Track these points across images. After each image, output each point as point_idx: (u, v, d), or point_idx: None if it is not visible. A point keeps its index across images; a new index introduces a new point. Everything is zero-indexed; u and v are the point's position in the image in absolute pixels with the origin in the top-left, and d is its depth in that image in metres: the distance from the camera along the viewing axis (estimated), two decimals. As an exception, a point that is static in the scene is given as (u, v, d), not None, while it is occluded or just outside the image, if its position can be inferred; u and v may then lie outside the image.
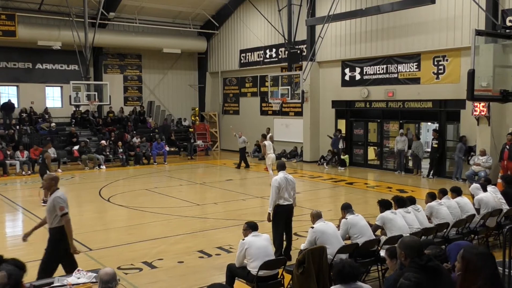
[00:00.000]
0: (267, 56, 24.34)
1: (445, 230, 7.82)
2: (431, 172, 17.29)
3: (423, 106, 17.89)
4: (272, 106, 21.83)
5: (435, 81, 17.25)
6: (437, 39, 16.88)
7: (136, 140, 22.75)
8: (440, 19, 16.72)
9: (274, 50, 23.92)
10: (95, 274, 5.32)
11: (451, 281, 4.04)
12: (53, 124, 22.93)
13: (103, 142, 21.68)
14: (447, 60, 16.89)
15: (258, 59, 24.98)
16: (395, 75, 18.60)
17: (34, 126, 22.67)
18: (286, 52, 21.35)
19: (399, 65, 18.44)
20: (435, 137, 17.39)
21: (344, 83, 20.66)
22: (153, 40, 25.61)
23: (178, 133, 26.40)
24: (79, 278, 5.43)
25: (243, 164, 20.36)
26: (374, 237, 6.99)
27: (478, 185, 9.56)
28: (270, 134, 20.00)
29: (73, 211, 13.27)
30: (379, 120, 19.85)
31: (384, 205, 7.38)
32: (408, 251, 4.07)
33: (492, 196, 8.98)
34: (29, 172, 18.93)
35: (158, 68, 27.67)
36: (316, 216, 6.81)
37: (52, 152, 19.63)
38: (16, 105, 23.37)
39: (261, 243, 6.20)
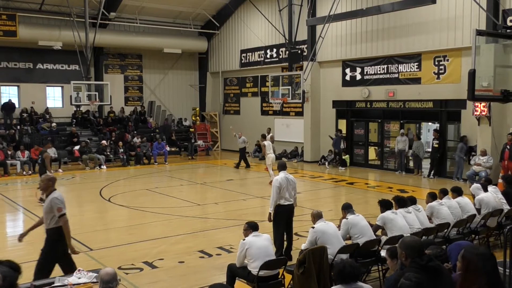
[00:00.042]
0: (268, 56, 24.35)
1: (445, 230, 7.82)
2: (432, 172, 17.28)
3: (424, 106, 17.89)
4: (272, 106, 21.82)
5: (436, 81, 17.25)
6: (438, 39, 16.87)
7: (136, 140, 22.76)
8: (441, 19, 16.71)
9: (274, 50, 23.92)
10: (95, 274, 5.32)
11: (451, 281, 4.04)
12: (54, 124, 22.95)
13: (104, 142, 21.69)
14: (447, 60, 16.88)
15: (258, 59, 24.98)
16: (396, 75, 18.59)
17: (35, 126, 22.69)
18: (287, 52, 21.34)
19: (399, 65, 18.44)
20: (435, 137, 17.38)
21: (345, 83, 20.66)
22: (154, 40, 25.62)
23: (178, 133, 26.40)
24: (79, 278, 5.43)
25: (243, 164, 20.37)
26: (374, 237, 6.99)
27: (478, 185, 9.55)
28: (271, 134, 20.02)
29: (73, 211, 13.32)
30: (379, 120, 19.85)
31: (385, 205, 7.38)
32: (408, 251, 4.07)
33: (493, 196, 8.97)
34: (30, 172, 18.95)
35: (158, 68, 27.68)
36: (317, 216, 6.81)
37: (52, 152, 19.67)
38: (17, 105, 23.41)
39: (262, 243, 6.19)
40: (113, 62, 26.30)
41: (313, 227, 6.65)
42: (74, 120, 24.38)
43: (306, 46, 21.62)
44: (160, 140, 22.95)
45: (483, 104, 14.74)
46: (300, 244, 7.24)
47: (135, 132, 24.08)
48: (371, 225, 7.20)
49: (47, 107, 24.14)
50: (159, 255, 8.60)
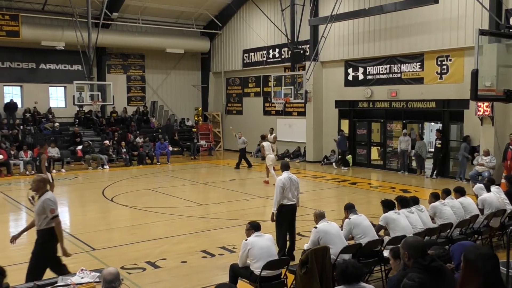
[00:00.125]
0: (270, 56, 24.34)
1: (448, 231, 7.81)
2: (435, 172, 17.25)
3: (427, 106, 17.86)
4: (275, 106, 21.82)
5: (439, 81, 17.22)
6: (441, 39, 16.84)
7: (139, 140, 22.79)
8: (444, 19, 16.68)
9: (277, 50, 23.92)
10: (98, 274, 5.34)
11: (454, 282, 4.03)
12: (56, 124, 23.01)
13: (107, 142, 21.72)
14: (450, 60, 16.85)
15: (261, 59, 24.98)
16: (398, 75, 18.57)
17: (37, 126, 22.74)
18: (289, 52, 21.34)
19: (402, 65, 18.41)
20: (438, 137, 17.35)
21: (347, 83, 20.64)
22: (156, 40, 25.64)
23: (181, 133, 26.42)
24: (82, 277, 5.44)
25: (244, 164, 20.37)
26: (377, 237, 6.98)
27: (481, 185, 9.52)
28: (274, 135, 20.00)
29: (76, 211, 13.38)
30: (382, 120, 19.83)
31: (387, 205, 7.37)
32: (411, 251, 4.07)
33: (496, 196, 8.96)
34: (33, 172, 18.94)
35: (161, 68, 27.71)
36: (319, 216, 6.81)
37: (55, 152, 19.79)
38: (20, 105, 23.47)
39: (264, 243, 6.19)
40: (115, 62, 26.34)
41: (315, 227, 6.64)
42: (77, 120, 24.43)
43: (308, 46, 21.61)
44: (162, 140, 22.98)
45: (486, 104, 14.70)
46: (303, 244, 7.24)
47: (137, 132, 24.12)
48: (374, 225, 7.20)
49: (50, 107, 24.20)
50: (162, 255, 8.61)
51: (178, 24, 26.53)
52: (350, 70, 20.50)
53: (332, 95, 21.32)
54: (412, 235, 6.36)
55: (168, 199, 14.10)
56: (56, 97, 25.16)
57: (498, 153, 14.96)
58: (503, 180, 12.86)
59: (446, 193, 8.57)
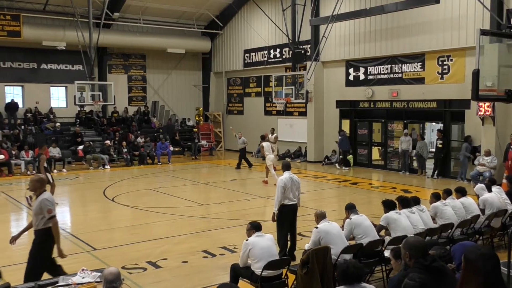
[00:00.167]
0: (271, 56, 24.34)
1: (449, 231, 7.80)
2: (436, 172, 17.24)
3: (428, 106, 17.85)
4: (276, 106, 21.83)
5: (440, 81, 17.21)
6: (442, 39, 16.83)
7: (140, 140, 22.80)
8: (445, 18, 16.67)
9: (278, 50, 23.92)
10: (99, 274, 5.34)
11: (455, 282, 4.03)
12: (57, 124, 23.02)
13: (108, 142, 21.74)
14: (451, 60, 16.84)
15: (262, 59, 24.99)
16: (400, 75, 18.56)
17: (39, 126, 22.76)
18: (290, 52, 21.34)
19: (403, 65, 18.40)
20: (439, 137, 17.34)
21: (348, 83, 20.64)
22: (157, 40, 25.65)
23: (182, 133, 26.43)
24: (83, 277, 5.44)
25: (245, 164, 20.38)
26: (378, 238, 6.98)
27: (483, 186, 9.51)
28: (275, 135, 20.01)
29: (77, 211, 13.39)
30: (383, 120, 19.82)
31: (389, 206, 7.37)
32: (412, 251, 4.07)
33: (497, 196, 8.95)
34: (34, 171, 18.95)
35: (162, 68, 27.72)
36: (320, 216, 6.81)
37: (57, 152, 19.81)
38: (21, 105, 23.49)
39: (265, 243, 6.19)
40: (116, 62, 26.36)
41: (316, 227, 6.64)
42: (78, 120, 24.45)
43: (309, 46, 21.61)
44: (163, 140, 22.99)
45: (487, 104, 14.69)
46: (304, 244, 7.24)
47: (138, 132, 24.13)
48: (375, 225, 7.19)
49: (51, 107, 24.22)
50: (163, 254, 8.61)
51: (179, 24, 26.54)
52: (351, 70, 20.50)
53: (333, 95, 21.31)
54: (413, 235, 6.35)
55: (169, 199, 14.10)
56: (57, 97, 25.19)
57: (499, 153, 14.94)
58: (504, 180, 12.84)
59: (447, 193, 8.56)
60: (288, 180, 8.18)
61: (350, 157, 20.28)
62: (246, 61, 26.09)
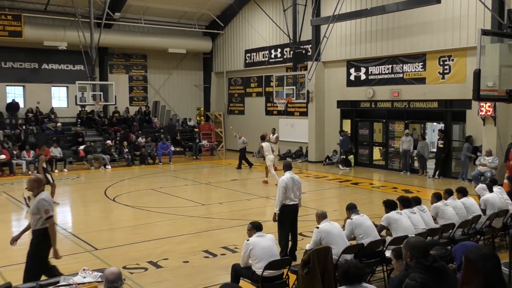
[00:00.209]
0: (272, 56, 24.34)
1: (450, 231, 7.79)
2: (437, 172, 17.23)
3: (429, 106, 17.84)
4: (277, 106, 21.83)
5: (441, 81, 17.20)
6: (443, 39, 16.82)
7: (141, 140, 22.81)
8: (446, 18, 16.66)
9: (279, 50, 23.92)
10: (100, 274, 5.34)
11: (456, 282, 4.03)
12: (59, 124, 23.04)
13: (109, 142, 21.75)
14: (452, 60, 16.83)
15: (263, 59, 24.99)
16: (401, 75, 18.55)
17: (40, 126, 22.79)
18: (291, 52, 21.34)
19: (404, 65, 18.39)
20: (440, 137, 17.33)
21: (349, 83, 20.63)
22: (158, 40, 25.66)
23: (183, 133, 26.44)
24: (84, 277, 5.44)
25: (245, 164, 20.38)
26: (379, 238, 6.97)
27: (484, 186, 9.51)
28: (276, 135, 20.01)
29: (78, 211, 13.40)
30: (384, 120, 19.81)
31: (390, 206, 7.36)
32: (413, 251, 4.07)
33: (498, 196, 8.94)
34: (35, 171, 18.99)
35: (163, 68, 27.73)
36: (321, 216, 6.81)
37: (58, 152, 19.84)
38: (22, 105, 23.51)
39: (266, 244, 6.19)
40: (117, 62, 26.37)
41: (317, 227, 6.64)
42: (79, 120, 24.47)
43: (310, 46, 21.60)
44: (164, 140, 23.00)
45: (488, 104, 14.68)
46: (305, 244, 7.24)
47: (139, 132, 24.14)
48: (376, 226, 7.19)
49: (52, 107, 24.24)
50: (164, 254, 8.62)
51: (180, 24, 26.55)
52: (352, 70, 20.49)
53: (334, 95, 21.31)
54: (414, 235, 6.35)
55: (170, 199, 14.11)
56: (59, 97, 25.21)
57: (500, 153, 14.92)
58: (505, 181, 12.84)
59: (448, 193, 8.56)
60: (289, 180, 8.18)
61: (351, 157, 20.27)
62: (247, 61, 26.09)
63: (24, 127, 22.31)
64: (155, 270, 7.88)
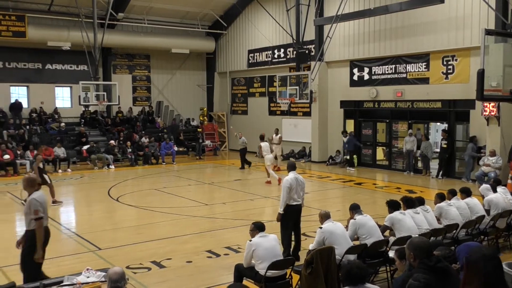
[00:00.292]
0: (275, 56, 24.34)
1: (454, 231, 7.77)
2: (440, 172, 17.19)
3: (432, 106, 17.80)
4: (280, 106, 21.82)
5: (444, 81, 17.16)
6: (446, 39, 16.78)
7: (144, 140, 22.85)
8: (449, 18, 16.63)
9: (282, 50, 23.91)
10: (104, 273, 5.35)
11: (459, 282, 4.02)
12: (62, 124, 23.11)
13: (112, 142, 21.79)
14: (456, 60, 16.79)
15: (266, 59, 24.98)
16: (404, 75, 18.52)
17: (44, 126, 22.86)
18: (294, 52, 21.32)
19: (407, 65, 18.36)
20: (444, 137, 17.29)
21: (353, 83, 20.61)
22: (162, 41, 25.69)
23: (186, 133, 26.47)
24: (88, 277, 5.46)
25: (246, 165, 20.40)
26: (382, 238, 6.96)
27: (488, 186, 9.49)
28: (279, 135, 20.00)
29: (82, 211, 13.44)
30: (387, 120, 19.78)
31: (393, 206, 7.35)
32: (417, 252, 4.06)
33: (502, 197, 8.92)
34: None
35: (166, 68, 27.77)
36: (325, 217, 6.80)
37: (61, 152, 19.90)
38: (26, 105, 23.59)
39: (269, 244, 6.19)
40: (121, 62, 26.42)
41: (320, 228, 6.64)
42: (83, 120, 24.52)
43: (313, 46, 21.59)
44: (168, 140, 23.03)
45: (492, 104, 14.65)
46: (308, 245, 7.24)
47: (143, 132, 24.18)
48: (379, 226, 7.18)
49: (56, 107, 24.30)
50: (167, 254, 8.63)
51: (183, 24, 26.57)
52: (355, 70, 20.47)
53: (337, 95, 21.29)
54: (417, 235, 6.34)
55: (174, 199, 14.12)
56: (62, 97, 25.26)
57: (504, 154, 14.89)
58: (509, 181, 12.84)
59: (452, 193, 8.54)
60: (293, 180, 8.18)
61: (354, 157, 20.24)
62: (250, 61, 26.09)
63: (28, 127, 22.38)
64: (158, 270, 7.89)
